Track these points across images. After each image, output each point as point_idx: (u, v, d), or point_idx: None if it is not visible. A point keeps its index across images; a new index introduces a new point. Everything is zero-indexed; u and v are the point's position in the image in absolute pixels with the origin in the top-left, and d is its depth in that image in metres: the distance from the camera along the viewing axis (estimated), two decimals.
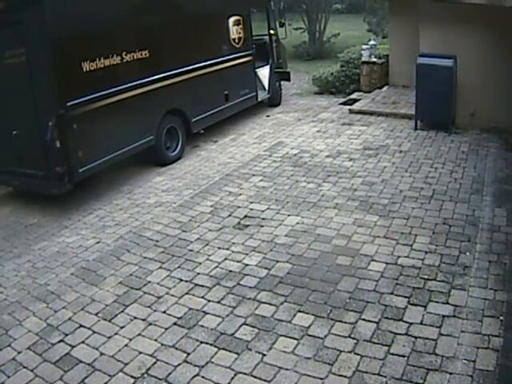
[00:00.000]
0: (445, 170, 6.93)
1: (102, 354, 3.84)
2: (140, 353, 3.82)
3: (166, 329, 4.07)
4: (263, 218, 5.85)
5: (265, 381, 3.47)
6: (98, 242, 5.64)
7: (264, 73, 10.95)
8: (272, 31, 11.09)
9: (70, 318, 4.29)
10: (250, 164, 7.68)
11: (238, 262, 4.97)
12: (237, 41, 9.67)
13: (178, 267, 4.96)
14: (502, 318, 3.89)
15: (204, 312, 4.24)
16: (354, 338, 3.80)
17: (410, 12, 10.20)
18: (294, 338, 3.85)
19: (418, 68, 8.48)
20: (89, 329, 4.14)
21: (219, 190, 6.78)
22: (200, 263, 5.00)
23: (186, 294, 4.52)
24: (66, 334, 4.08)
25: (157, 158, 7.96)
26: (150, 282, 4.76)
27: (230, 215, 6.00)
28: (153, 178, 7.56)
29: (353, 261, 4.82)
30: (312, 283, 4.52)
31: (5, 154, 6.72)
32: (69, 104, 6.11)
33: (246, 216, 5.94)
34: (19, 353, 3.92)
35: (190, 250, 5.26)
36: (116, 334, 4.06)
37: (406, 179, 6.70)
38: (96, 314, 4.32)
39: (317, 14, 19.12)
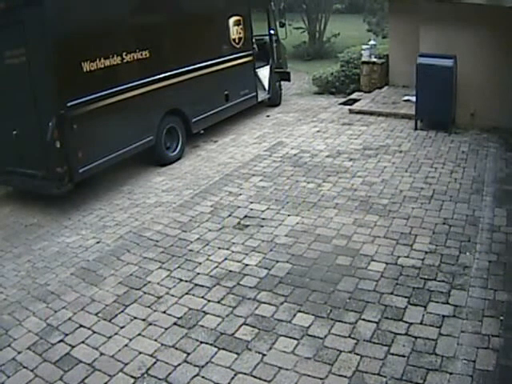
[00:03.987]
0: (445, 170, 6.94)
1: (102, 354, 3.85)
2: (140, 353, 3.82)
3: (166, 329, 4.07)
4: (263, 218, 5.85)
5: (265, 381, 3.47)
6: (98, 242, 5.64)
7: (264, 73, 10.95)
8: (272, 31, 11.09)
9: (70, 318, 4.29)
10: (249, 164, 7.68)
11: (238, 261, 4.97)
12: (237, 41, 9.67)
13: (178, 267, 4.97)
14: (501, 317, 3.89)
15: (204, 312, 4.24)
16: (354, 338, 3.80)
17: (410, 12, 10.20)
18: (294, 338, 3.85)
19: (418, 68, 8.48)
20: (89, 329, 4.14)
21: (219, 190, 6.79)
22: (200, 263, 5.00)
23: (186, 294, 4.52)
24: (66, 334, 4.09)
25: (157, 158, 7.96)
26: (150, 282, 4.76)
27: (230, 215, 6.00)
28: (153, 177, 7.56)
29: (353, 261, 4.82)
30: (312, 283, 4.52)
31: (5, 153, 6.72)
32: (69, 104, 6.11)
33: (245, 216, 5.94)
34: (19, 353, 3.93)
35: (190, 250, 5.27)
36: (116, 334, 4.06)
37: (405, 179, 6.70)
38: (96, 314, 4.33)
39: (317, 14, 19.12)
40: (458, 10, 8.24)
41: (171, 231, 5.72)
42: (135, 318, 4.24)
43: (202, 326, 4.07)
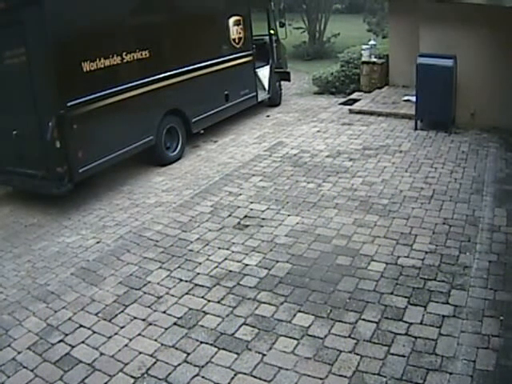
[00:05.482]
0: (445, 170, 6.94)
1: (101, 354, 3.85)
2: (140, 353, 3.82)
3: (166, 329, 4.07)
4: (263, 218, 5.85)
5: (265, 381, 3.47)
6: (98, 242, 5.64)
7: (264, 73, 10.95)
8: (272, 31, 11.09)
9: (70, 318, 4.29)
10: (250, 164, 7.68)
11: (237, 261, 4.97)
12: (237, 41, 9.68)
13: (178, 267, 4.97)
14: (501, 317, 3.89)
15: (204, 312, 4.24)
16: (354, 338, 3.80)
17: (410, 12, 10.20)
18: (294, 338, 3.85)
19: (418, 68, 8.48)
20: (89, 329, 4.14)
21: (219, 190, 6.79)
22: (200, 263, 5.00)
23: (186, 294, 4.52)
24: (66, 334, 4.09)
25: (157, 158, 7.96)
26: (150, 282, 4.76)
27: (230, 215, 6.00)
28: (153, 177, 7.56)
29: (353, 261, 4.82)
30: (312, 283, 4.52)
31: (5, 153, 6.72)
32: (69, 104, 6.11)
33: (246, 216, 5.94)
34: (19, 353, 3.92)
35: (190, 250, 5.27)
36: (116, 334, 4.06)
37: (405, 179, 6.70)
38: (96, 314, 4.33)
39: (317, 14, 19.14)
40: (457, 10, 8.24)
41: (171, 231, 5.72)
42: (135, 317, 4.24)
43: (202, 326, 4.07)
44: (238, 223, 5.79)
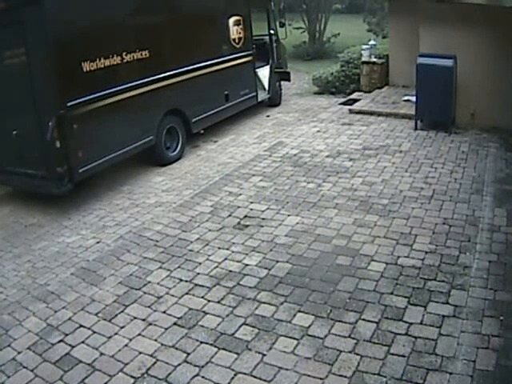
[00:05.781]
0: (445, 170, 6.94)
1: (102, 354, 3.84)
2: (140, 353, 3.82)
3: (166, 329, 4.07)
4: (263, 218, 5.85)
5: (265, 381, 3.47)
6: (98, 242, 5.64)
7: (264, 73, 10.95)
8: (272, 31, 11.09)
9: (70, 318, 4.29)
10: (250, 164, 7.68)
11: (238, 261, 4.97)
12: (237, 41, 9.68)
13: (178, 267, 4.97)
14: (501, 317, 3.89)
15: (204, 312, 4.25)
16: (354, 338, 3.80)
17: (410, 12, 10.20)
18: (294, 338, 3.85)
19: (418, 68, 8.48)
20: (89, 329, 4.14)
21: (219, 190, 6.79)
22: (200, 263, 5.00)
23: (186, 294, 4.52)
24: (66, 334, 4.09)
25: (157, 158, 7.96)
26: (150, 282, 4.76)
27: (230, 215, 6.00)
28: (153, 177, 7.56)
29: (353, 261, 4.82)
30: (312, 283, 4.52)
31: (5, 153, 6.72)
32: (69, 104, 6.11)
33: (246, 216, 5.94)
34: (19, 353, 3.92)
35: (190, 250, 5.27)
36: (116, 334, 4.06)
37: (405, 179, 6.70)
38: (96, 314, 4.33)
39: (317, 14, 19.14)
40: (457, 10, 8.24)
41: (171, 231, 5.72)
42: (135, 317, 4.24)
43: (202, 326, 4.07)
44: (238, 223, 5.79)
